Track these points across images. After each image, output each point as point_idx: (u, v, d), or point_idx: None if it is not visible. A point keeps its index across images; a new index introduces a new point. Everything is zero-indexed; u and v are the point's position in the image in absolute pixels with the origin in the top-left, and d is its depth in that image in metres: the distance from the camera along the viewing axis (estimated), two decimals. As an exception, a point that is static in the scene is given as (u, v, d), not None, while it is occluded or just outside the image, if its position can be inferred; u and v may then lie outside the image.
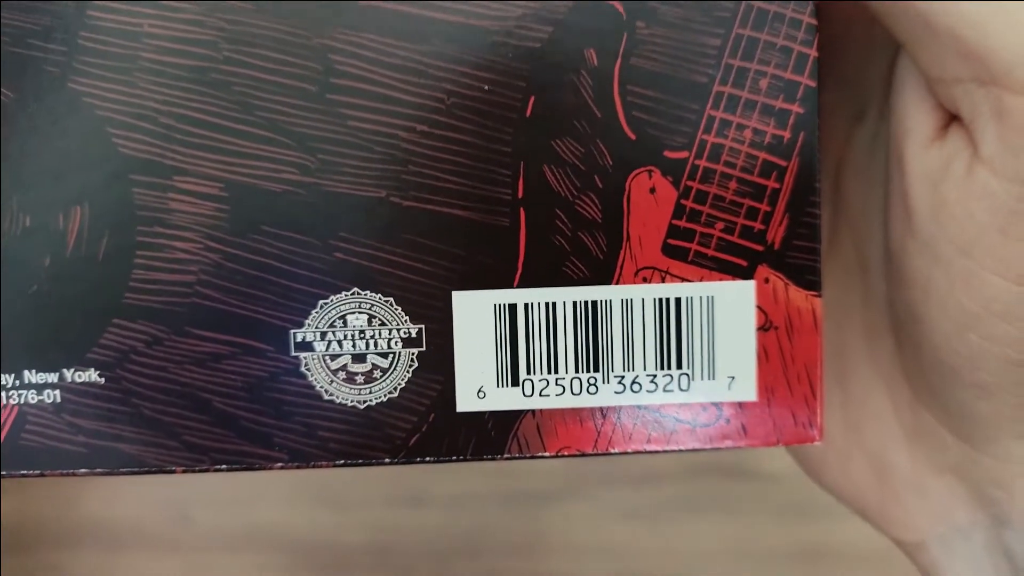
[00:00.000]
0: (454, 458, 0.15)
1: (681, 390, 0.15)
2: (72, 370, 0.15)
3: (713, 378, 0.15)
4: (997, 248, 0.14)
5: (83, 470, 0.15)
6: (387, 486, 0.45)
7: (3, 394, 0.15)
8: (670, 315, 0.15)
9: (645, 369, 0.15)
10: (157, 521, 0.45)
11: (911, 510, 0.19)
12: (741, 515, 0.43)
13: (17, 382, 0.15)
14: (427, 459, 0.15)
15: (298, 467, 0.15)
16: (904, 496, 0.19)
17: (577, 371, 0.15)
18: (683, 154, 0.15)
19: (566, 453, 0.15)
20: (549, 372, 0.15)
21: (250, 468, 0.15)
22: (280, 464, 0.15)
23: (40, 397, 0.15)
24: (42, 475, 0.15)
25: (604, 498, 0.44)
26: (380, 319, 0.15)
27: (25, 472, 0.15)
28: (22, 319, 0.15)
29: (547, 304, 0.15)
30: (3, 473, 0.15)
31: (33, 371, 0.15)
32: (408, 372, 0.15)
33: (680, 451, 0.15)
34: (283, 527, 0.45)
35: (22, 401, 0.15)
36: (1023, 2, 0.13)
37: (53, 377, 0.15)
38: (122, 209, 0.15)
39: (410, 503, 0.45)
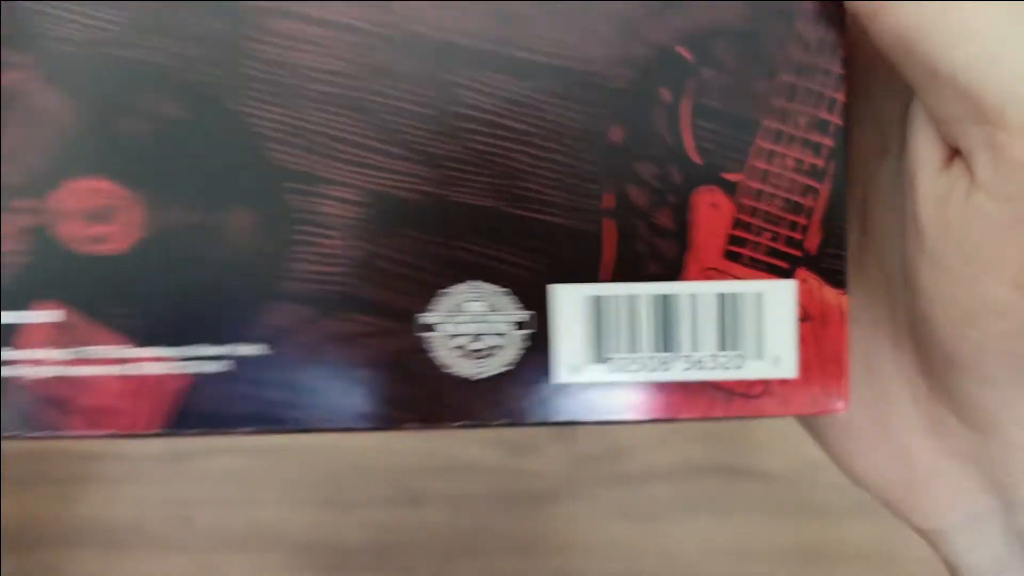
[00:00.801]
0: (553, 423, 0.18)
1: (736, 368, 0.19)
2: (241, 344, 0.18)
3: (762, 359, 0.19)
4: (993, 258, 0.17)
5: (251, 429, 0.18)
6: (387, 486, 0.45)
7: (185, 363, 0.18)
8: (727, 307, 0.19)
9: (708, 350, 0.19)
10: (157, 521, 0.45)
11: (932, 498, 0.20)
12: (741, 515, 0.43)
13: (195, 354, 0.18)
14: (532, 423, 0.18)
15: (427, 428, 0.18)
16: (926, 485, 0.20)
17: (653, 351, 0.19)
18: (738, 176, 0.18)
19: (645, 419, 0.19)
20: (631, 352, 0.19)
21: (386, 428, 0.18)
22: (411, 425, 0.18)
23: (214, 367, 0.18)
24: (214, 432, 0.18)
25: (604, 498, 0.44)
26: (494, 306, 0.18)
27: (200, 431, 0.18)
28: (202, 301, 0.18)
29: (629, 296, 0.18)
30: (182, 431, 0.18)
31: (208, 345, 0.18)
32: (516, 350, 0.18)
33: (739, 418, 0.19)
34: (283, 527, 0.45)
35: (199, 371, 0.18)
36: (1012, 51, 0.15)
37: (225, 350, 0.18)
38: (281, 212, 0.18)
39: (410, 503, 0.45)
